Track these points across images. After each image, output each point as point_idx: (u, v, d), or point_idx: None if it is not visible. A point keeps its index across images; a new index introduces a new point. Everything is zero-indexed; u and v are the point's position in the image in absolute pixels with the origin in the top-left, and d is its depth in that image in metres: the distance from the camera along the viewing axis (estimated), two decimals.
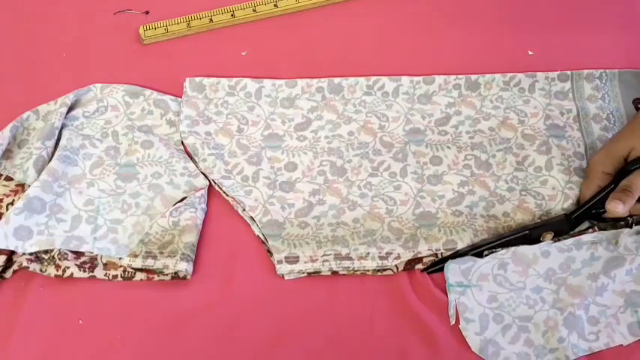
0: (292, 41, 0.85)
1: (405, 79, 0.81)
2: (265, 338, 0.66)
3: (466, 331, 0.66)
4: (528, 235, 0.69)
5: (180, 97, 0.79)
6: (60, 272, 0.68)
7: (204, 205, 0.72)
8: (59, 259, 0.68)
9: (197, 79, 0.81)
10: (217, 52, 0.84)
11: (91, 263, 0.69)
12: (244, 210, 0.72)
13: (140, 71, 0.82)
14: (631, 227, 0.70)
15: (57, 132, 0.74)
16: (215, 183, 0.74)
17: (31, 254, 0.68)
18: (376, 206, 0.73)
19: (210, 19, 0.85)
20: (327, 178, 0.75)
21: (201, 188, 0.73)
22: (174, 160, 0.74)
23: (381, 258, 0.69)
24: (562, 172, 0.74)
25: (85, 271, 0.69)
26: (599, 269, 0.68)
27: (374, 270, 0.69)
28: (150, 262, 0.68)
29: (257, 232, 0.71)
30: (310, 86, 0.80)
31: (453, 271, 0.68)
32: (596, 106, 0.79)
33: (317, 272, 0.70)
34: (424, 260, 0.70)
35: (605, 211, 0.68)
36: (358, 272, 0.70)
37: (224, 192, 0.74)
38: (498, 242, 0.69)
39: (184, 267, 0.67)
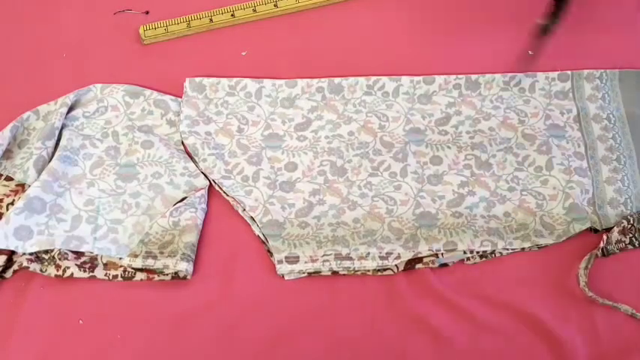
0: (292, 41, 0.84)
1: (405, 79, 0.81)
2: (265, 338, 0.67)
3: None
4: None
5: (181, 97, 0.79)
6: (60, 272, 0.68)
7: (204, 205, 0.72)
8: (59, 259, 0.68)
9: (197, 79, 0.80)
10: (217, 52, 0.84)
11: (91, 263, 0.69)
12: (244, 210, 0.72)
13: (140, 71, 0.82)
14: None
15: (57, 132, 0.74)
16: (215, 183, 0.74)
17: (31, 254, 0.68)
18: (376, 206, 0.73)
19: (210, 19, 0.85)
20: (327, 178, 0.75)
21: (202, 188, 0.73)
22: (174, 160, 0.74)
23: (381, 258, 0.69)
24: (562, 172, 0.74)
25: (85, 271, 0.69)
26: None
27: (374, 270, 0.69)
28: (150, 262, 0.68)
29: (257, 232, 0.71)
30: (310, 86, 0.80)
31: None
32: (597, 106, 0.79)
33: (317, 272, 0.70)
34: (424, 260, 0.70)
35: None
36: (358, 272, 0.70)
37: (224, 192, 0.74)
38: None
39: (184, 267, 0.67)
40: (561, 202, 0.73)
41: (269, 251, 0.70)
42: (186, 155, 0.76)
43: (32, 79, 0.81)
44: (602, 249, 0.69)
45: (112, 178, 0.73)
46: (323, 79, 0.81)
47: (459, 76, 0.81)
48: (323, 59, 0.83)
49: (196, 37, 0.85)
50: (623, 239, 0.70)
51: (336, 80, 0.81)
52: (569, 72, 0.81)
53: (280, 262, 0.69)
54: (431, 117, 0.79)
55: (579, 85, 0.80)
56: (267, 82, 0.80)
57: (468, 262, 0.70)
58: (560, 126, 0.78)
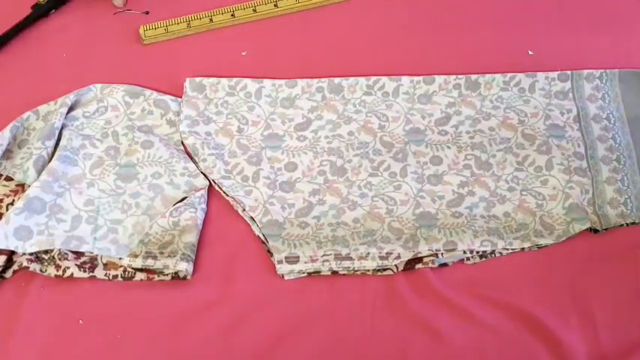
0: (292, 41, 0.84)
1: (405, 79, 0.81)
2: (265, 338, 0.66)
3: None
4: None
5: (181, 97, 0.79)
6: (60, 272, 0.68)
7: (204, 205, 0.72)
8: (59, 259, 0.68)
9: (197, 79, 0.80)
10: (217, 52, 0.84)
11: (91, 263, 0.69)
12: (244, 210, 0.72)
13: (140, 71, 0.82)
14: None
15: (57, 132, 0.74)
16: (215, 183, 0.74)
17: (31, 254, 0.68)
18: (376, 206, 0.73)
19: (210, 19, 0.85)
20: (327, 178, 0.75)
21: (201, 188, 0.73)
22: (174, 160, 0.74)
23: (381, 258, 0.69)
24: (562, 172, 0.74)
25: (85, 271, 0.69)
26: None
27: (374, 270, 0.69)
28: (150, 262, 0.68)
29: (257, 233, 0.71)
30: (310, 86, 0.80)
31: None
32: (597, 106, 0.79)
33: (317, 272, 0.70)
34: (424, 260, 0.70)
35: None
36: (358, 272, 0.70)
37: (224, 192, 0.74)
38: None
39: (184, 267, 0.67)
40: (561, 202, 0.73)
41: (269, 251, 0.70)
42: (186, 155, 0.76)
43: (32, 79, 0.81)
44: None
45: (112, 178, 0.73)
46: (323, 79, 0.81)
47: (459, 76, 0.81)
48: (323, 59, 0.83)
49: (196, 37, 0.85)
50: None
51: (336, 80, 0.81)
52: (569, 72, 0.81)
53: (280, 262, 0.69)
54: (431, 117, 0.79)
55: (579, 85, 0.80)
56: (267, 82, 0.80)
57: (468, 262, 0.70)
58: (560, 126, 0.78)
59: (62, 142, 0.73)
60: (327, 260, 0.69)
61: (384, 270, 0.69)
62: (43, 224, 0.69)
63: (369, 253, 0.69)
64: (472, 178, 0.74)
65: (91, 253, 0.69)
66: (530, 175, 0.75)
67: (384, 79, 0.81)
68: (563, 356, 0.65)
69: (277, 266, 0.69)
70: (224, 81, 0.80)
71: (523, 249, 0.71)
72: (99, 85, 0.79)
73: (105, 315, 0.67)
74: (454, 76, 0.81)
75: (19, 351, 0.65)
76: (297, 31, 0.85)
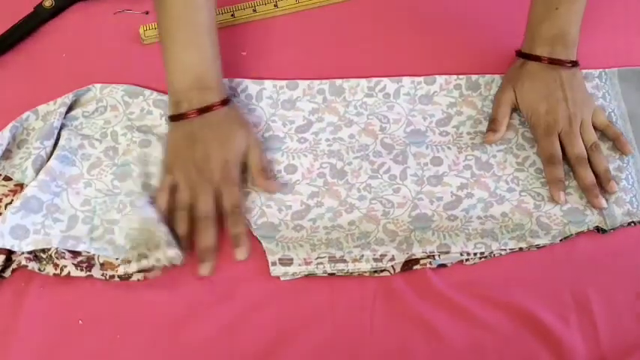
0: (292, 41, 0.84)
1: (407, 80, 0.81)
2: (265, 338, 0.66)
3: None
4: None
5: None
6: (58, 271, 0.68)
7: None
8: (57, 258, 0.68)
9: None
10: None
11: (88, 262, 0.69)
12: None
13: (140, 71, 0.82)
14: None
15: (56, 132, 0.74)
16: None
17: (30, 253, 0.68)
18: (373, 209, 0.72)
19: None
20: (326, 181, 0.74)
21: None
22: None
23: (375, 260, 0.69)
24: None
25: (82, 269, 0.69)
26: None
27: (371, 272, 0.69)
28: (145, 263, 0.67)
29: (254, 234, 0.71)
30: (312, 88, 0.80)
31: None
32: (597, 104, 0.79)
33: (312, 274, 0.69)
34: (421, 262, 0.70)
35: None
36: (354, 274, 0.69)
37: None
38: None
39: (173, 253, 0.67)
40: (560, 204, 0.72)
41: None
42: None
43: (32, 79, 0.81)
44: None
45: (109, 178, 0.73)
46: (324, 81, 0.81)
47: (460, 76, 0.81)
48: (323, 59, 0.83)
49: None
50: None
51: (337, 82, 0.80)
52: None
53: (274, 263, 0.69)
54: (432, 117, 0.79)
55: None
56: (268, 84, 0.80)
57: (467, 262, 0.70)
58: None
59: (61, 142, 0.73)
60: (321, 263, 0.69)
61: (382, 271, 0.69)
62: (39, 223, 0.69)
63: (362, 256, 0.69)
64: (472, 179, 0.74)
65: (88, 252, 0.69)
66: (531, 176, 0.75)
67: (385, 80, 0.81)
68: (563, 356, 0.65)
69: (271, 268, 0.69)
70: (225, 82, 0.80)
71: (521, 249, 0.71)
72: (98, 85, 0.79)
73: (105, 315, 0.67)
74: (455, 77, 0.81)
75: (18, 351, 0.65)
76: (297, 31, 0.85)
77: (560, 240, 0.71)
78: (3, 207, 0.71)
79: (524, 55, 0.77)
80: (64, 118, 0.75)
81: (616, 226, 0.71)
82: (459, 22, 0.86)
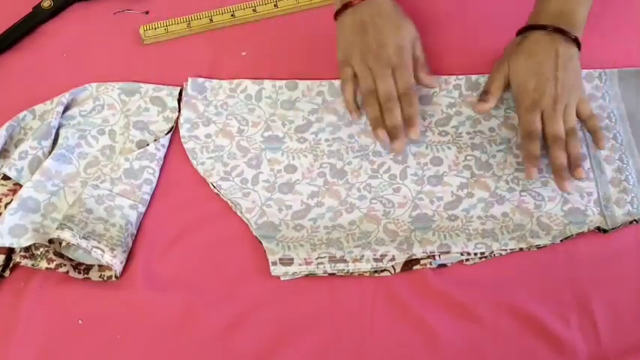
0: (292, 41, 0.84)
1: None
2: (265, 338, 0.66)
3: None
4: None
5: (178, 90, 0.80)
6: (52, 265, 0.68)
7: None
8: (54, 255, 0.68)
9: (199, 80, 0.80)
10: (217, 52, 0.84)
11: (86, 265, 0.69)
12: (242, 212, 0.72)
13: (140, 71, 0.82)
14: None
15: (54, 131, 0.74)
16: (214, 186, 0.74)
17: (26, 251, 0.68)
18: (374, 208, 0.72)
19: (210, 19, 0.85)
20: (326, 181, 0.74)
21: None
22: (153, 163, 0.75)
23: (375, 260, 0.69)
24: None
25: (80, 272, 0.69)
26: None
27: (371, 272, 0.69)
28: (64, 235, 0.67)
29: (255, 234, 0.71)
30: (311, 90, 0.80)
31: None
32: (597, 105, 0.79)
33: (313, 274, 0.69)
34: (421, 262, 0.69)
35: None
36: (355, 274, 0.69)
37: (222, 194, 0.73)
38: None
39: (111, 260, 0.67)
40: (560, 204, 0.72)
41: None
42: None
43: (32, 79, 0.81)
44: None
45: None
46: (323, 82, 0.81)
47: (460, 76, 0.81)
48: (323, 59, 0.83)
49: (196, 37, 0.86)
50: None
51: (336, 83, 0.80)
52: None
53: (274, 263, 0.69)
54: (431, 117, 0.79)
55: None
56: (268, 84, 0.80)
57: (467, 262, 0.70)
58: None
59: (59, 141, 0.74)
60: (322, 263, 0.69)
61: (382, 271, 0.69)
62: (38, 223, 0.69)
63: (363, 256, 0.69)
64: (472, 179, 0.74)
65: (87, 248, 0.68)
66: None
67: None
68: (564, 356, 0.65)
69: (271, 267, 0.69)
70: (224, 84, 0.80)
71: (521, 249, 0.70)
72: (94, 84, 0.79)
73: (105, 315, 0.67)
74: (454, 77, 0.81)
75: (18, 351, 0.65)
76: (297, 32, 0.85)
77: (561, 240, 0.70)
78: (3, 207, 0.71)
79: (528, 28, 0.77)
80: (62, 117, 0.75)
81: (617, 226, 0.71)
82: (459, 22, 0.86)
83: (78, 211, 0.69)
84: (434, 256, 0.69)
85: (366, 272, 0.69)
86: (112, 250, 0.68)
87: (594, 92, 0.80)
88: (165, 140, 0.76)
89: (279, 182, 0.74)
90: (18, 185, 0.72)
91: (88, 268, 0.69)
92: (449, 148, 0.76)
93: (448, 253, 0.69)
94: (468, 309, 0.67)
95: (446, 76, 0.81)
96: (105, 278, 0.69)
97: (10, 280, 0.69)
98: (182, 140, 0.76)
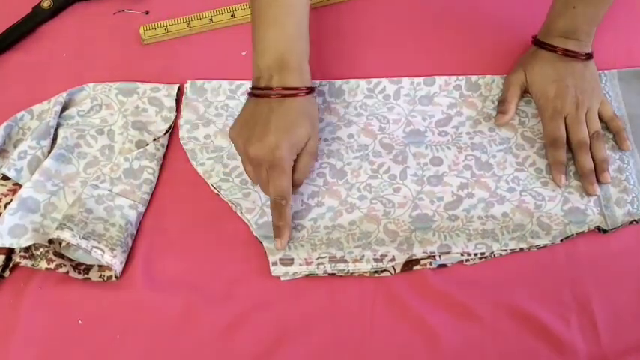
0: None
1: (406, 81, 0.81)
2: (265, 338, 0.66)
3: None
4: None
5: (175, 89, 0.80)
6: (52, 266, 0.68)
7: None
8: (54, 255, 0.68)
9: (198, 82, 0.80)
10: (217, 52, 0.84)
11: (86, 265, 0.69)
12: (242, 213, 0.72)
13: (140, 71, 0.82)
14: None
15: (52, 131, 0.74)
16: (214, 187, 0.74)
17: (26, 251, 0.68)
18: (374, 209, 0.72)
19: (210, 19, 0.85)
20: (326, 181, 0.74)
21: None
22: (153, 164, 0.74)
23: (375, 260, 0.69)
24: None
25: (80, 272, 0.69)
26: None
27: (371, 272, 0.69)
28: (64, 235, 0.67)
29: (255, 234, 0.71)
30: None
31: None
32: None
33: (313, 274, 0.69)
34: (421, 262, 0.69)
35: None
36: (355, 274, 0.69)
37: (222, 195, 0.73)
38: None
39: (111, 260, 0.67)
40: (560, 204, 0.72)
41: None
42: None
43: (32, 79, 0.81)
44: None
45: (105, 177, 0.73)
46: (324, 82, 0.81)
47: (460, 77, 0.81)
48: (323, 59, 0.83)
49: (196, 37, 0.85)
50: None
51: (337, 83, 0.80)
52: None
53: (275, 263, 0.69)
54: (432, 118, 0.79)
55: None
56: None
57: (468, 262, 0.70)
58: None
59: (59, 141, 0.74)
60: (322, 263, 0.69)
61: (382, 272, 0.69)
62: (38, 223, 0.69)
63: (363, 256, 0.69)
64: (472, 179, 0.74)
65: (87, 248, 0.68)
66: (531, 176, 0.74)
67: (385, 81, 0.81)
68: (564, 356, 0.65)
69: (272, 268, 0.69)
70: (225, 84, 0.80)
71: (522, 249, 0.70)
72: (92, 84, 0.79)
73: (104, 315, 0.67)
74: (455, 77, 0.81)
75: (18, 351, 0.65)
76: None
77: (561, 240, 0.70)
78: (3, 207, 0.71)
79: (539, 44, 0.78)
80: (60, 117, 0.75)
81: (617, 226, 0.71)
82: (459, 23, 0.86)
83: (78, 211, 0.69)
84: (434, 256, 0.69)
85: (366, 272, 0.69)
86: (112, 250, 0.68)
87: None
88: (164, 140, 0.76)
89: None
90: (17, 185, 0.72)
91: (88, 268, 0.69)
92: (449, 148, 0.76)
93: (448, 253, 0.69)
94: (468, 309, 0.67)
95: (446, 77, 0.81)
96: (105, 278, 0.69)
97: (10, 280, 0.69)
98: (181, 141, 0.76)
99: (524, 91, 0.79)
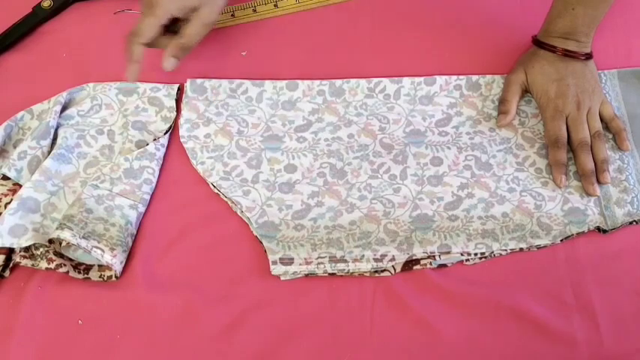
0: (292, 41, 0.84)
1: (406, 81, 0.81)
2: (265, 338, 0.66)
3: None
4: None
5: (181, 97, 0.79)
6: (52, 266, 0.68)
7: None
8: (54, 255, 0.68)
9: (198, 80, 0.80)
10: (217, 52, 0.84)
11: (86, 265, 0.69)
12: (242, 212, 0.72)
13: (140, 71, 0.81)
14: None
15: (52, 131, 0.74)
16: (214, 186, 0.74)
17: (26, 251, 0.68)
18: (374, 208, 0.72)
19: None
20: (326, 180, 0.74)
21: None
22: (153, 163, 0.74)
23: (375, 260, 0.69)
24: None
25: (79, 272, 0.69)
26: None
27: (371, 272, 0.69)
28: (64, 235, 0.67)
29: (255, 233, 0.71)
30: (311, 89, 0.80)
31: None
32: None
33: (312, 274, 0.69)
34: (421, 262, 0.69)
35: None
36: (355, 274, 0.69)
37: (222, 194, 0.73)
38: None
39: (111, 260, 0.67)
40: (560, 204, 0.72)
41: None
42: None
43: (32, 79, 0.81)
44: None
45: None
46: (324, 82, 0.81)
47: (460, 77, 0.81)
48: (323, 59, 0.83)
49: None
50: None
51: (337, 83, 0.80)
52: None
53: (275, 263, 0.69)
54: (432, 118, 0.79)
55: None
56: (268, 85, 0.80)
57: (468, 262, 0.70)
58: None
59: (58, 141, 0.74)
60: (322, 263, 0.69)
61: (382, 271, 0.69)
62: (38, 223, 0.69)
63: (363, 256, 0.69)
64: (472, 179, 0.74)
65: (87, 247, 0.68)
66: (531, 176, 0.74)
67: (385, 81, 0.81)
68: (566, 357, 0.65)
69: (272, 267, 0.69)
70: (225, 83, 0.80)
71: (522, 249, 0.70)
72: (91, 84, 0.79)
73: (105, 315, 0.67)
74: (455, 77, 0.81)
75: (18, 352, 0.65)
76: (297, 31, 0.85)
77: (561, 240, 0.70)
78: (3, 206, 0.71)
79: (539, 43, 0.78)
80: (60, 117, 0.75)
81: (617, 227, 0.71)
82: (459, 23, 0.86)
83: (78, 211, 0.69)
84: (434, 256, 0.69)
85: (366, 272, 0.69)
86: (112, 249, 0.68)
87: None
88: (164, 140, 0.76)
89: (279, 182, 0.74)
90: (17, 185, 0.72)
91: (88, 268, 0.69)
92: (449, 148, 0.76)
93: (448, 253, 0.69)
94: (469, 309, 0.67)
95: (446, 76, 0.81)
96: (105, 278, 0.69)
97: (10, 280, 0.69)
98: (181, 140, 0.76)
99: (525, 91, 0.79)
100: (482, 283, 0.69)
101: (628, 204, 0.72)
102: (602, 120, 0.77)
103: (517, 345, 0.66)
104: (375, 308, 0.68)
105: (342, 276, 0.69)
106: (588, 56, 0.77)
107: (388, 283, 0.69)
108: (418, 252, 0.69)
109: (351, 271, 0.69)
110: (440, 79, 0.81)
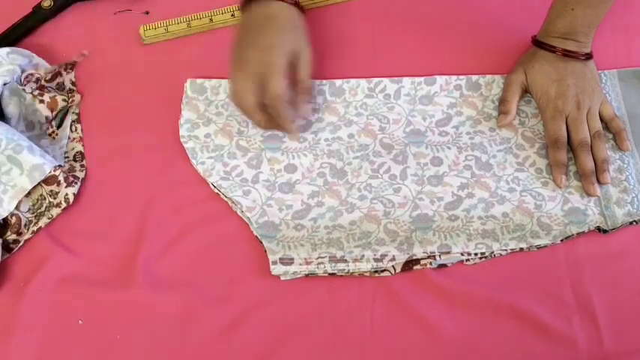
0: None
1: (407, 81, 0.81)
2: (265, 338, 0.66)
3: None
4: None
5: (181, 97, 0.79)
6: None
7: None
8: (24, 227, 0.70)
9: (198, 80, 0.80)
10: (217, 52, 0.84)
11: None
12: (242, 211, 0.72)
13: (140, 71, 0.82)
14: None
15: None
16: (214, 186, 0.74)
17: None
18: (374, 208, 0.72)
19: (210, 19, 0.85)
20: (326, 180, 0.74)
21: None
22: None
23: (375, 260, 0.69)
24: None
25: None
26: None
27: (371, 272, 0.69)
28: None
29: (255, 233, 0.71)
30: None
31: None
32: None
33: (313, 274, 0.69)
34: (422, 262, 0.69)
35: None
36: (355, 274, 0.69)
37: (222, 194, 0.73)
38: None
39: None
40: (560, 204, 0.72)
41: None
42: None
43: None
44: None
45: None
46: (324, 82, 0.81)
47: (460, 77, 0.81)
48: (323, 59, 0.83)
49: (196, 37, 0.85)
50: None
51: (337, 83, 0.80)
52: None
53: (275, 263, 0.69)
54: (432, 118, 0.79)
55: None
56: None
57: (468, 262, 0.70)
58: None
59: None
60: (322, 263, 0.69)
61: (382, 271, 0.69)
62: None
63: (363, 256, 0.69)
64: (473, 179, 0.74)
65: None
66: (531, 176, 0.74)
67: (386, 81, 0.80)
68: (566, 357, 0.65)
69: (272, 267, 0.69)
70: (225, 83, 0.80)
71: (522, 249, 0.70)
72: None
73: (105, 315, 0.67)
74: (455, 77, 0.81)
75: (18, 351, 0.65)
76: None
77: (561, 240, 0.70)
78: None
79: (539, 44, 0.78)
80: None
81: (617, 227, 0.71)
82: (459, 23, 0.86)
83: None
84: (434, 256, 0.69)
85: (366, 272, 0.69)
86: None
87: None
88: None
89: (279, 182, 0.74)
90: None
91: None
92: (449, 148, 0.76)
93: (448, 253, 0.69)
94: (469, 309, 0.67)
95: (447, 76, 0.81)
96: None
97: (10, 280, 0.69)
98: (182, 140, 0.76)
99: (525, 91, 0.79)
100: (482, 283, 0.69)
101: (628, 204, 0.72)
102: (602, 120, 0.77)
103: (517, 345, 0.66)
104: (375, 308, 0.68)
105: (342, 276, 0.69)
106: (588, 56, 0.77)
107: (388, 283, 0.69)
108: (418, 252, 0.69)
109: (351, 271, 0.69)
110: (440, 79, 0.80)
